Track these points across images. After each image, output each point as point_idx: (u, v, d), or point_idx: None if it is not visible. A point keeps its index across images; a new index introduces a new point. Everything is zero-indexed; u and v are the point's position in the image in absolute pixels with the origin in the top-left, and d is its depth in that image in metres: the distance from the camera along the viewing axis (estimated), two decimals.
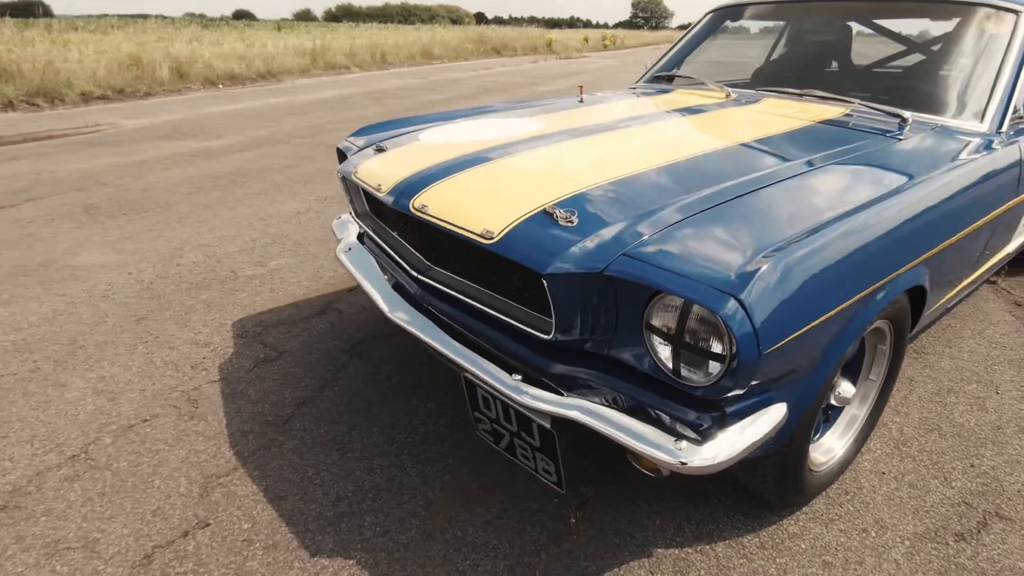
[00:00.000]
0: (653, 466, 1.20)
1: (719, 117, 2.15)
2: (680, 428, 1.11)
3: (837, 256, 1.16)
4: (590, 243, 1.16)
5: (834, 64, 2.66)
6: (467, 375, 1.37)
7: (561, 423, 1.21)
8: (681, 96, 2.47)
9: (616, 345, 1.20)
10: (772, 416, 1.14)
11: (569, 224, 1.21)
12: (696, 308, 1.03)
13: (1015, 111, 1.92)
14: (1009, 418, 1.94)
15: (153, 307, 2.61)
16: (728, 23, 2.92)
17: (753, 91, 2.37)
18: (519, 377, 1.27)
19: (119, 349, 2.27)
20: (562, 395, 1.23)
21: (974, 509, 1.58)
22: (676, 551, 1.45)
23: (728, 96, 2.34)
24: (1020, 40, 1.97)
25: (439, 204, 1.40)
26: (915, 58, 2.33)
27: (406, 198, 1.47)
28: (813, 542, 1.48)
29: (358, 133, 2.16)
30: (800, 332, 1.08)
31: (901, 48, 2.65)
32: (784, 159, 1.63)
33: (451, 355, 1.39)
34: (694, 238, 1.15)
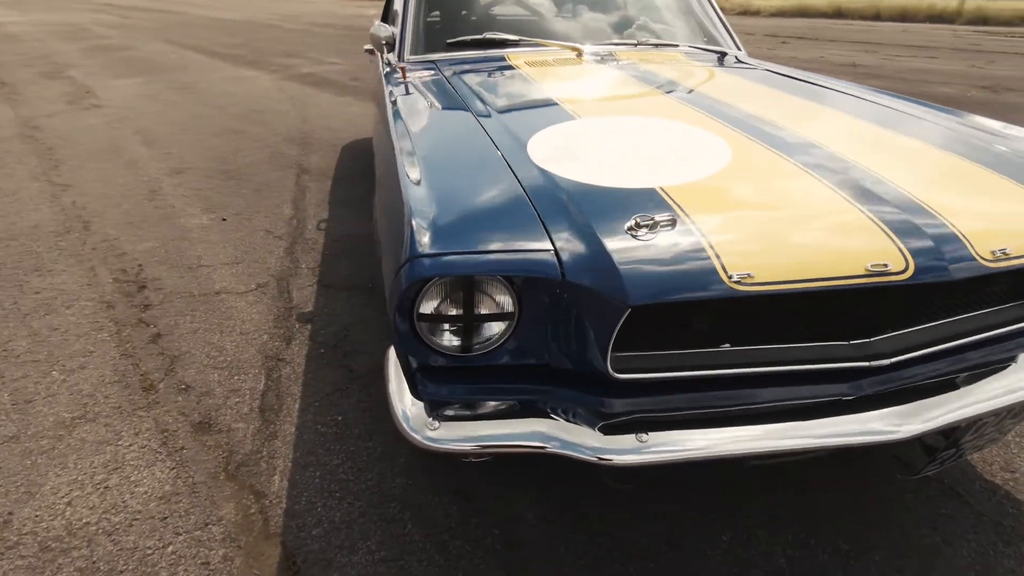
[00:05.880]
0: None
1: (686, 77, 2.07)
2: None
3: None
4: None
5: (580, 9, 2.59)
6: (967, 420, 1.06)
7: None
8: (530, 61, 2.09)
9: None
10: None
11: None
12: None
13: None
14: None
15: None
16: None
17: (596, 46, 2.20)
18: None
19: None
20: None
21: None
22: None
23: (581, 54, 2.11)
24: None
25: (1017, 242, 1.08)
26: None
27: (946, 260, 1.01)
28: None
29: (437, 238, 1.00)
30: None
31: None
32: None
33: (982, 409, 1.06)
34: None
